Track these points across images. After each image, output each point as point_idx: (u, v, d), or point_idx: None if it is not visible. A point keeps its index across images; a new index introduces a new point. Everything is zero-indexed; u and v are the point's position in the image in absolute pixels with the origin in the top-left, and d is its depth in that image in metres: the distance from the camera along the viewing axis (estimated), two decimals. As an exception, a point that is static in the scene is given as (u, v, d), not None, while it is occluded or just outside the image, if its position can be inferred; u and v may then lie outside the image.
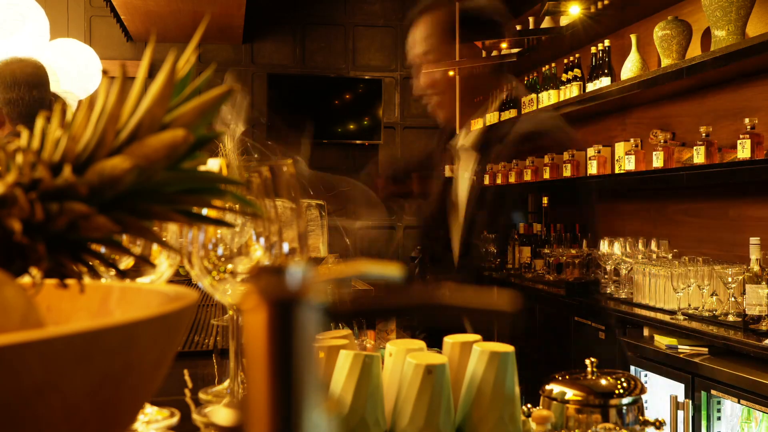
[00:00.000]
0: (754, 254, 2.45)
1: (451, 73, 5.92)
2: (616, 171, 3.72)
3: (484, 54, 5.18)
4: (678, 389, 2.49)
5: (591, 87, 3.82)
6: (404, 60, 6.00)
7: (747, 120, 2.67)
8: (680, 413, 2.38)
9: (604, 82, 3.72)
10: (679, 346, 2.59)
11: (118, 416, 0.44)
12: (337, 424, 0.72)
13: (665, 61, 3.20)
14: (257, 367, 0.34)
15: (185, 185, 0.53)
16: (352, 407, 0.75)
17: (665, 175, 3.13)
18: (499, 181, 5.06)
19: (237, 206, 0.59)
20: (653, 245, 3.37)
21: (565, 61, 4.18)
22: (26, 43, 3.13)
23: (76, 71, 3.61)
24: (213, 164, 0.78)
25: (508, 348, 0.79)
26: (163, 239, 0.81)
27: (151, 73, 0.47)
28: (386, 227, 4.35)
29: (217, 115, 0.54)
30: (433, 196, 3.12)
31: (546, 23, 4.41)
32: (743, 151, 2.65)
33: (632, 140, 3.50)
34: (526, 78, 4.78)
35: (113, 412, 0.42)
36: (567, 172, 4.08)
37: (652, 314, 2.86)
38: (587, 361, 0.91)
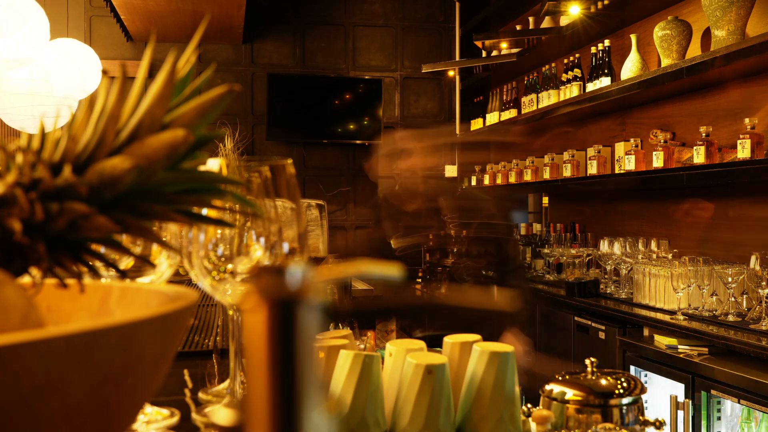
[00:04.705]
0: (754, 255, 2.45)
1: (451, 73, 5.90)
2: (616, 171, 3.71)
3: (484, 54, 5.19)
4: (678, 389, 2.49)
5: (591, 87, 3.82)
6: (404, 60, 6.01)
7: (747, 120, 2.66)
8: (680, 413, 2.38)
9: (604, 82, 3.72)
10: (679, 346, 2.58)
11: (118, 416, 0.44)
12: (337, 424, 0.72)
13: (665, 61, 3.20)
14: (257, 367, 0.34)
15: (185, 185, 0.53)
16: (352, 407, 0.75)
17: (665, 175, 3.13)
18: (499, 181, 5.06)
19: (237, 206, 0.59)
20: (653, 245, 3.37)
21: (565, 61, 4.18)
22: (26, 43, 3.13)
23: (76, 71, 3.60)
24: (213, 164, 0.78)
25: (508, 348, 0.79)
26: (163, 239, 0.81)
27: (151, 73, 0.47)
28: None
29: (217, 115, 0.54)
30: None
31: (546, 23, 4.41)
32: (743, 151, 2.65)
33: (632, 140, 3.50)
34: (526, 78, 4.78)
35: (113, 412, 0.42)
36: (567, 172, 4.08)
37: (652, 314, 2.86)
38: (587, 361, 0.91)
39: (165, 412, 0.90)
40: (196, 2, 4.45)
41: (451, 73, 5.89)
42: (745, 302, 2.70)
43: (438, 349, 0.90)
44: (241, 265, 0.82)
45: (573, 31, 3.97)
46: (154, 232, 0.53)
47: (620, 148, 3.69)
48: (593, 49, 3.85)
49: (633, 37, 3.50)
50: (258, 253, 0.82)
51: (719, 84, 3.20)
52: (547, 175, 4.33)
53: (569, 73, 4.11)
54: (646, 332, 2.89)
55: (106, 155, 0.50)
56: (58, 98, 3.51)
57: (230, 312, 0.92)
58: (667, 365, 2.59)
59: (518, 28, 4.83)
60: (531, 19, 4.69)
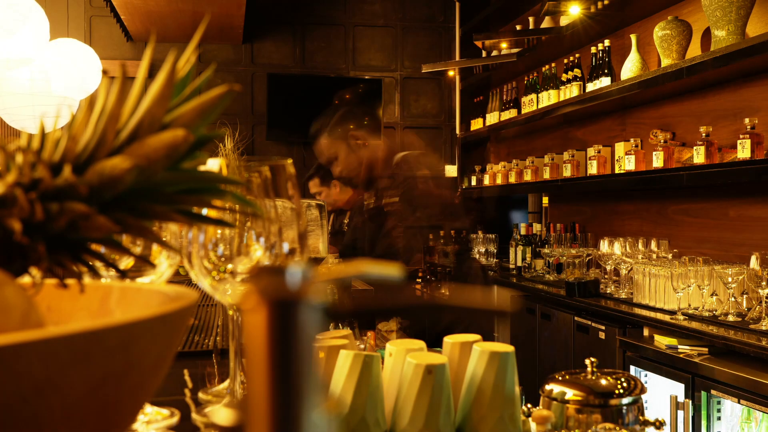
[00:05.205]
0: (754, 255, 2.45)
1: (451, 73, 5.90)
2: (616, 171, 3.71)
3: (484, 54, 5.19)
4: (678, 389, 2.49)
5: (591, 87, 3.82)
6: (404, 60, 6.01)
7: (747, 120, 2.66)
8: (680, 413, 2.38)
9: (604, 82, 3.72)
10: (679, 346, 2.58)
11: (118, 416, 0.44)
12: (337, 424, 0.72)
13: (665, 61, 3.20)
14: (257, 367, 0.34)
15: (185, 185, 0.53)
16: (352, 407, 0.75)
17: (665, 175, 3.13)
18: (499, 181, 5.06)
19: (237, 206, 0.59)
20: (653, 245, 3.37)
21: (565, 61, 4.18)
22: (26, 43, 3.13)
23: (76, 71, 3.60)
24: (213, 164, 0.78)
25: (508, 348, 0.79)
26: (163, 239, 0.81)
27: (151, 73, 0.47)
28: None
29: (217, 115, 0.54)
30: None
31: (546, 23, 4.41)
32: (743, 151, 2.65)
33: (632, 140, 3.50)
34: (526, 78, 4.78)
35: (113, 412, 0.42)
36: (567, 172, 4.08)
37: (652, 314, 2.86)
38: (587, 361, 0.91)
39: (165, 412, 0.90)
40: (196, 2, 4.45)
41: (451, 73, 5.89)
42: (745, 302, 2.70)
43: (438, 349, 0.90)
44: (241, 265, 0.82)
45: (573, 31, 3.97)
46: (154, 232, 0.53)
47: (620, 148, 3.69)
48: (593, 49, 3.85)
49: (633, 37, 3.50)
50: (258, 253, 0.82)
51: (719, 84, 3.20)
52: (547, 175, 4.33)
53: (569, 73, 4.11)
54: (646, 332, 2.89)
55: (106, 155, 0.50)
56: (58, 98, 3.50)
57: (230, 312, 0.92)
58: (667, 365, 2.59)
59: (518, 28, 4.83)
60: (531, 19, 4.69)
